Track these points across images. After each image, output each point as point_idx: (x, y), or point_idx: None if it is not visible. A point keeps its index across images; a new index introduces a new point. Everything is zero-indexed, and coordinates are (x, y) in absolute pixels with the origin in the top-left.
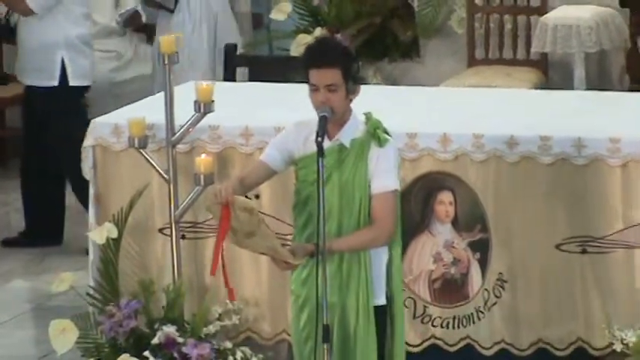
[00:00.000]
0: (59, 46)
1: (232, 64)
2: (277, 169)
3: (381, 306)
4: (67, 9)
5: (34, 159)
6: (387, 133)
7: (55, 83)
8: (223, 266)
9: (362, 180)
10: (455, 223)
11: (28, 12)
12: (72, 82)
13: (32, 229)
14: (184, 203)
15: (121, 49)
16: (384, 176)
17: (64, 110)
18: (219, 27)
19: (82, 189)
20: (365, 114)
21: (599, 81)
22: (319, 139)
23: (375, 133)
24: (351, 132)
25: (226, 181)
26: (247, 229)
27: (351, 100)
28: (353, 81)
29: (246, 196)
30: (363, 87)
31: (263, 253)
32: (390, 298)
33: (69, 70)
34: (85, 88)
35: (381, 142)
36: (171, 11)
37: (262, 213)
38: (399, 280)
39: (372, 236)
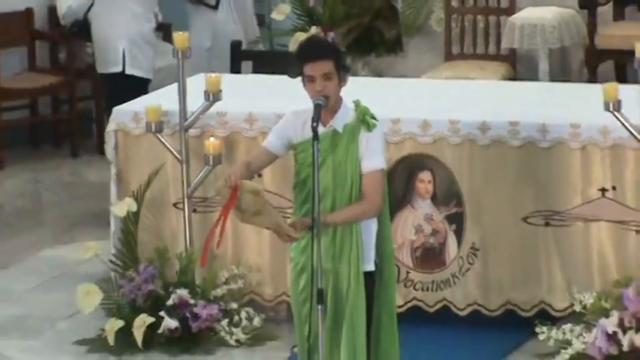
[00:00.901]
0: (121, 39)
1: (238, 59)
2: (279, 154)
3: (370, 272)
4: (130, 9)
5: None
6: (375, 118)
7: (119, 69)
8: (209, 242)
9: (353, 161)
10: (434, 198)
11: None
12: (127, 71)
13: None
14: (195, 181)
15: None
16: (372, 157)
17: (123, 95)
18: (254, 23)
19: None
20: (354, 101)
21: (561, 73)
22: (314, 124)
23: (364, 118)
24: (342, 118)
25: (234, 167)
26: (254, 209)
27: (341, 88)
28: (344, 70)
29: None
30: (353, 78)
31: (268, 228)
32: (379, 264)
33: (127, 60)
34: (143, 80)
35: (369, 127)
36: (214, 7)
37: (265, 190)
38: (390, 247)
39: (362, 210)
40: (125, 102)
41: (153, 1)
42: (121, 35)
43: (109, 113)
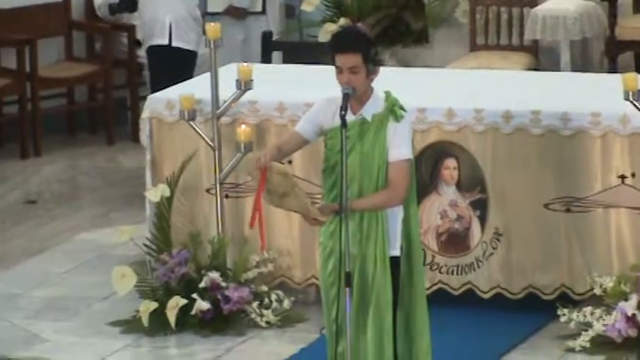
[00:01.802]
0: (168, 13)
1: (269, 49)
2: (310, 139)
3: (396, 257)
4: None
5: None
6: (403, 109)
7: (165, 42)
8: (261, 219)
9: (380, 150)
10: (458, 185)
11: None
12: (174, 43)
13: None
14: (227, 167)
15: None
16: (399, 147)
17: (169, 68)
18: (280, 16)
19: None
20: (385, 92)
21: (582, 64)
22: (342, 112)
23: (393, 109)
24: (372, 108)
25: (265, 149)
26: (282, 190)
27: (371, 80)
28: (372, 63)
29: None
30: (380, 68)
31: (295, 211)
32: (406, 248)
33: (173, 33)
34: (188, 52)
35: (397, 118)
36: (262, 13)
37: (295, 177)
38: (417, 234)
39: (387, 198)
40: (170, 75)
41: None
42: (168, 9)
43: (153, 90)
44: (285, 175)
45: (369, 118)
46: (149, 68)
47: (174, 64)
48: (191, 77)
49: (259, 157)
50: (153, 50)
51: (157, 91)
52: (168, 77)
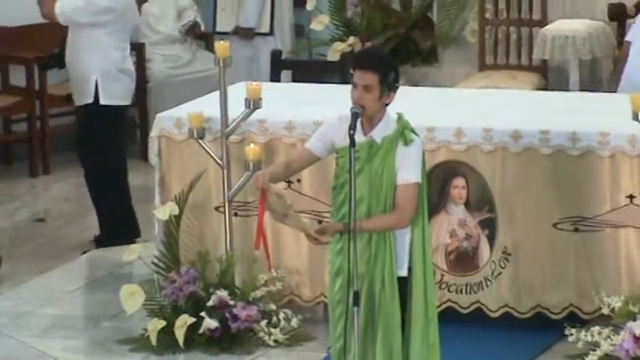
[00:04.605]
0: (94, 70)
1: (278, 68)
2: (320, 156)
3: (404, 277)
4: (101, 40)
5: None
6: (414, 133)
7: (90, 101)
8: (265, 240)
9: (389, 172)
10: (467, 204)
11: (52, 16)
12: (102, 102)
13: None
14: (236, 186)
15: (180, 53)
16: (408, 170)
17: (99, 125)
18: (289, 35)
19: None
20: (397, 114)
21: (591, 84)
22: (351, 132)
23: (404, 132)
24: (383, 130)
25: (264, 170)
26: (281, 211)
27: (386, 105)
28: (388, 88)
29: (289, 182)
30: (395, 95)
31: (301, 230)
32: (415, 269)
33: (100, 91)
34: (117, 108)
35: (406, 141)
36: (270, 34)
37: (303, 194)
38: (419, 255)
39: (394, 220)
40: (103, 131)
41: (126, 31)
42: (92, 66)
43: (87, 144)
44: (281, 197)
45: (378, 141)
46: (83, 122)
47: (104, 121)
48: (121, 131)
49: (257, 178)
50: (82, 108)
51: (91, 145)
52: (98, 133)
